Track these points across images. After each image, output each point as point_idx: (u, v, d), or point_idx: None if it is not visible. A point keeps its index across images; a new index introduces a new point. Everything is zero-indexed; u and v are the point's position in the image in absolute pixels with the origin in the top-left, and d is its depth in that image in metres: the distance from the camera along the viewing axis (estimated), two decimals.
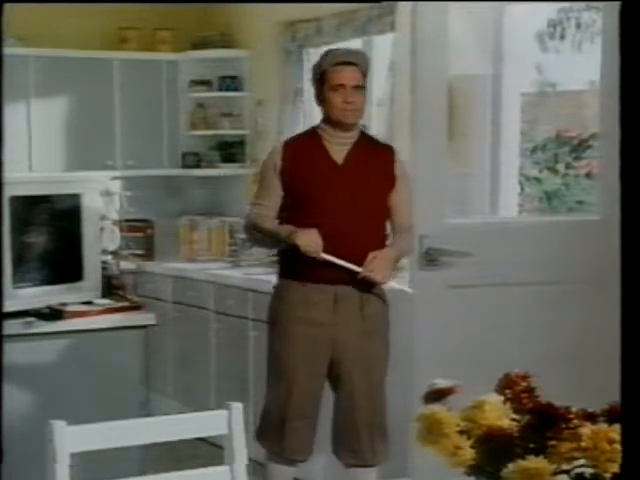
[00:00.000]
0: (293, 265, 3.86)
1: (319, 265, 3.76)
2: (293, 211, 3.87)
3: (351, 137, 3.91)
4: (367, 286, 3.83)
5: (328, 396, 3.94)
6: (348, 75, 3.84)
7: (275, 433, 3.89)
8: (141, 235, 6.59)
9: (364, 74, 3.89)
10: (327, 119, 3.91)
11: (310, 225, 3.77)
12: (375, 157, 3.93)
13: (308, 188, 3.85)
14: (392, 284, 3.88)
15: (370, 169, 3.90)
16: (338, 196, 3.82)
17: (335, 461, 4.02)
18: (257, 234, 3.98)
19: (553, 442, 1.72)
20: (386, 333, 3.93)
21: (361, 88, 3.87)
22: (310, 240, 3.74)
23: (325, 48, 6.18)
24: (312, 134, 3.97)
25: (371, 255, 3.76)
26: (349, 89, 3.83)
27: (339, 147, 3.89)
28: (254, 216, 3.94)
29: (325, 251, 3.75)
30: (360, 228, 3.81)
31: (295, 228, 3.78)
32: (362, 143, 3.93)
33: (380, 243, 3.87)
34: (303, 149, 3.94)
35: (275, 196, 3.91)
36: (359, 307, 3.85)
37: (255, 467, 3.49)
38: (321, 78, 3.88)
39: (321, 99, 3.91)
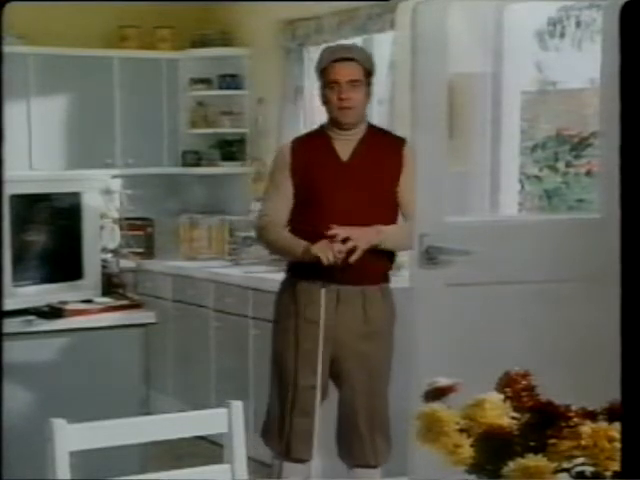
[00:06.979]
0: (301, 262, 3.81)
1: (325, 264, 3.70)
2: (302, 210, 3.84)
3: (357, 133, 3.87)
4: (372, 287, 3.81)
5: (329, 398, 3.93)
6: (342, 71, 3.78)
7: (278, 432, 3.88)
8: (141, 233, 6.59)
9: (366, 70, 3.82)
10: (330, 119, 3.89)
11: (319, 224, 3.73)
12: (383, 150, 3.89)
13: (315, 186, 3.82)
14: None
15: (377, 163, 3.86)
16: (344, 194, 3.79)
17: (335, 461, 4.01)
18: (267, 243, 3.97)
19: (553, 440, 1.71)
20: (390, 335, 3.90)
21: (358, 84, 3.80)
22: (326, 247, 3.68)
23: (325, 46, 6.22)
24: (320, 132, 3.94)
25: (356, 228, 3.69)
26: (344, 85, 3.78)
27: (345, 144, 3.86)
28: (264, 223, 3.90)
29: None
30: (369, 224, 3.77)
31: (308, 244, 3.72)
32: (370, 137, 3.89)
33: None
34: (311, 146, 3.91)
35: (286, 195, 3.86)
36: (362, 308, 3.82)
37: (255, 466, 3.48)
38: (321, 77, 3.85)
39: (324, 99, 3.88)
